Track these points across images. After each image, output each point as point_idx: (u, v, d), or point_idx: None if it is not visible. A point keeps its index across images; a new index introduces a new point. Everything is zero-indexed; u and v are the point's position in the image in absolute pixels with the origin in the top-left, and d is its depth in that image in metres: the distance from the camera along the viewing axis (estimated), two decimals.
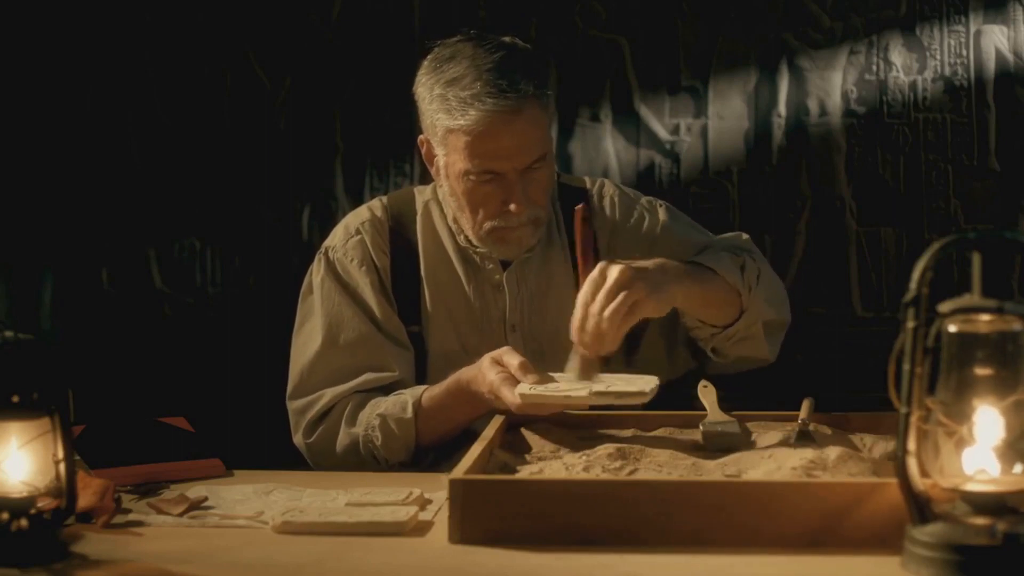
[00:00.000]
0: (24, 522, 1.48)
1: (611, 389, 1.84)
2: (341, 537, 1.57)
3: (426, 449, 2.09)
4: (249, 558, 1.51)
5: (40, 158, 3.06)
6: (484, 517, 1.52)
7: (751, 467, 1.67)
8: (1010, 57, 2.80)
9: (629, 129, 2.93)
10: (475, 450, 1.69)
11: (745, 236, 2.31)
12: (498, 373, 1.92)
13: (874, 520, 1.46)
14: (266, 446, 2.21)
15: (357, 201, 2.91)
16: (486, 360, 1.97)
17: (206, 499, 1.76)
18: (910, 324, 1.36)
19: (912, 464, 1.37)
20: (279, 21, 3.01)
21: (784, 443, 1.78)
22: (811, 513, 1.48)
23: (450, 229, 2.23)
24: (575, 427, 1.97)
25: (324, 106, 3.00)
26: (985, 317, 1.37)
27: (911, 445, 1.37)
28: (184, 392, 2.91)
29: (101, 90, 3.05)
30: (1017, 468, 1.36)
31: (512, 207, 2.08)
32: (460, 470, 1.58)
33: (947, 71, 2.82)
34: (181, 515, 1.69)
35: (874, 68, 2.85)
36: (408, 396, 2.07)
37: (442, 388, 2.06)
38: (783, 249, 2.88)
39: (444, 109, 2.06)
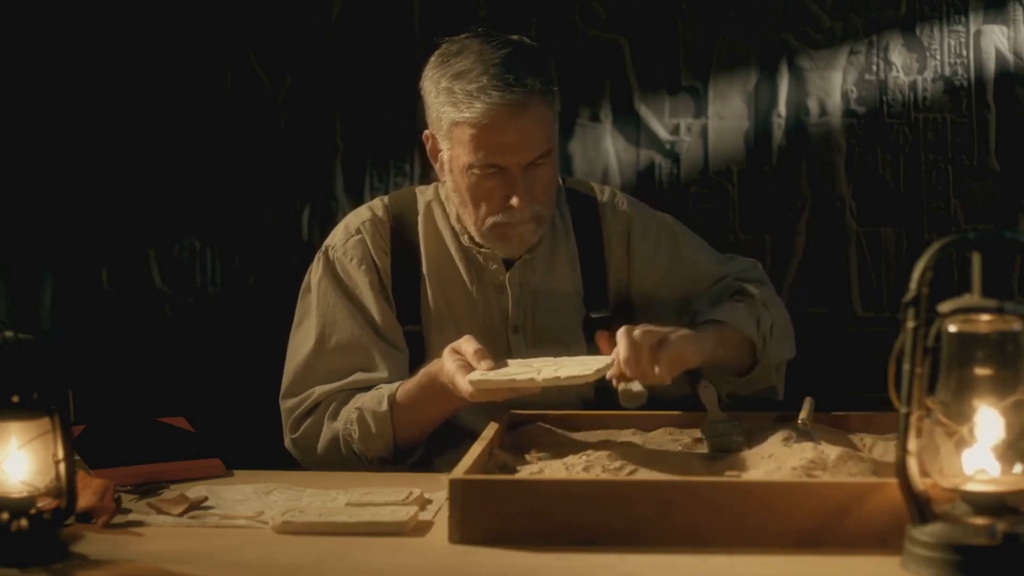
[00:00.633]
0: (24, 522, 1.48)
1: (558, 372, 1.84)
2: (341, 537, 1.57)
3: (406, 445, 2.09)
4: (249, 558, 1.51)
5: (40, 158, 3.07)
6: (484, 517, 1.52)
7: (751, 467, 1.67)
8: (1010, 57, 2.80)
9: (629, 129, 2.93)
10: (475, 450, 1.69)
11: (758, 267, 2.32)
12: (455, 361, 1.93)
13: (874, 520, 1.46)
14: (266, 446, 2.21)
15: (357, 201, 2.91)
16: (447, 350, 1.97)
17: (206, 499, 1.76)
18: (910, 324, 1.36)
19: (912, 464, 1.37)
20: (279, 21, 3.01)
21: (784, 443, 1.78)
22: (811, 513, 1.48)
23: (453, 229, 2.23)
24: (575, 427, 1.97)
25: (324, 106, 3.00)
26: (985, 317, 1.37)
27: (911, 445, 1.37)
28: (184, 392, 2.91)
29: (101, 90, 3.05)
30: (1017, 468, 1.36)
31: (514, 202, 2.08)
32: (460, 470, 1.58)
33: (947, 71, 2.82)
34: (181, 515, 1.69)
35: (874, 68, 2.85)
36: (385, 390, 2.08)
37: (414, 381, 2.06)
38: (783, 249, 2.88)
39: (450, 102, 2.07)
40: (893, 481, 1.40)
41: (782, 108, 2.87)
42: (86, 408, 1.75)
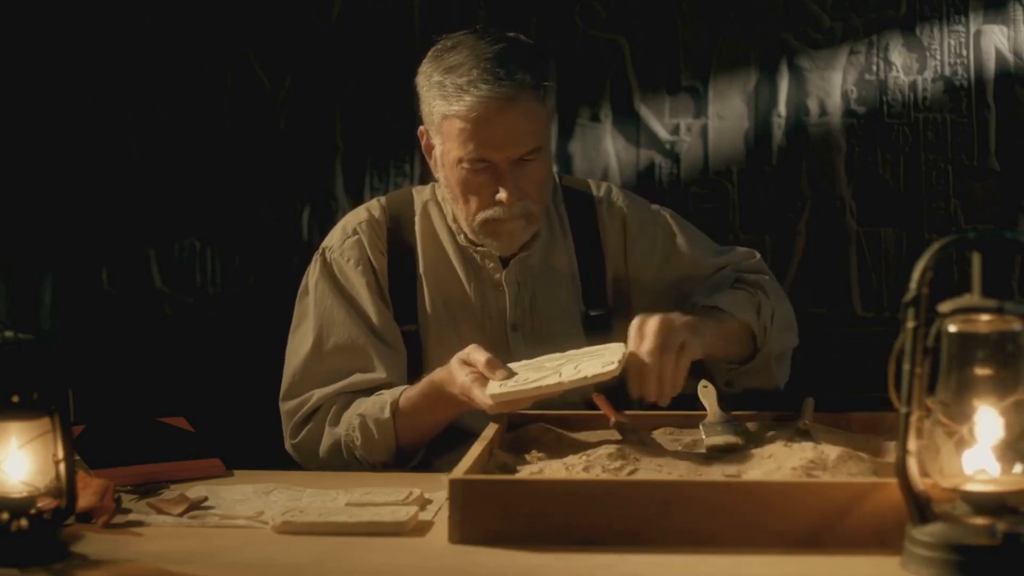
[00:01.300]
0: (24, 522, 1.48)
1: (581, 373, 1.84)
2: (341, 537, 1.57)
3: (408, 450, 2.09)
4: (249, 558, 1.51)
5: (40, 158, 3.07)
6: (484, 517, 1.51)
7: (751, 467, 1.67)
8: (1010, 57, 2.80)
9: (629, 129, 2.93)
10: (475, 450, 1.69)
11: (756, 256, 2.32)
12: (468, 374, 1.92)
13: (874, 520, 1.46)
14: (266, 446, 2.21)
15: (357, 201, 2.91)
16: (455, 361, 1.96)
17: (206, 499, 1.76)
18: (910, 324, 1.36)
19: (912, 464, 1.37)
20: (279, 21, 3.01)
21: (784, 443, 1.78)
22: (811, 513, 1.48)
23: (450, 229, 2.23)
24: (575, 427, 1.97)
25: (324, 106, 3.00)
26: (985, 317, 1.37)
27: (911, 445, 1.37)
28: (184, 392, 2.91)
29: (101, 90, 3.05)
30: (1017, 468, 1.36)
31: (502, 196, 2.08)
32: (460, 470, 1.58)
33: (947, 71, 2.82)
34: (181, 515, 1.69)
35: (874, 68, 2.85)
36: (387, 396, 2.07)
37: (417, 390, 2.06)
38: (783, 249, 2.88)
39: (441, 95, 2.07)
40: (893, 481, 1.40)
41: (782, 108, 2.87)
42: (86, 408, 1.75)
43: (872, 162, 2.86)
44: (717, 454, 1.77)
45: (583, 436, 1.93)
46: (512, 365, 1.93)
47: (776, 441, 1.80)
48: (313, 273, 2.23)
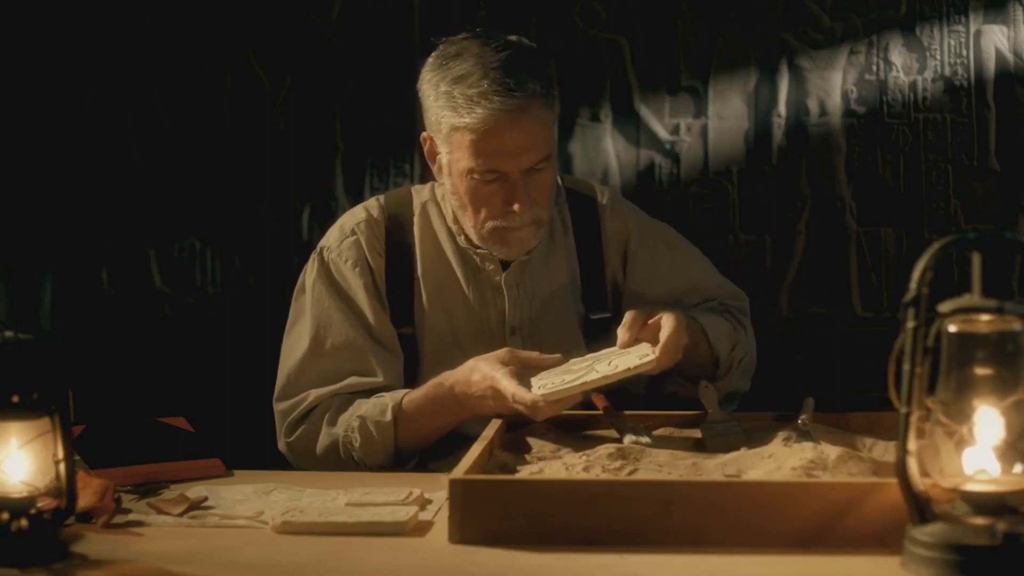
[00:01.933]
0: (24, 522, 1.48)
1: (620, 367, 1.87)
2: (341, 537, 1.57)
3: (406, 454, 2.09)
4: (249, 558, 1.51)
5: (40, 158, 3.06)
6: (484, 517, 1.52)
7: (751, 467, 1.67)
8: (1010, 57, 2.80)
9: (629, 129, 2.93)
10: (475, 450, 1.69)
11: (746, 300, 2.36)
12: (499, 369, 1.93)
13: (874, 520, 1.46)
14: (266, 446, 2.21)
15: (357, 201, 2.90)
16: (486, 361, 1.96)
17: (206, 499, 1.76)
18: (910, 324, 1.36)
19: (912, 464, 1.37)
20: (279, 21, 3.01)
21: (784, 443, 1.78)
22: (811, 513, 1.48)
23: (449, 230, 2.22)
24: (575, 427, 1.97)
25: (324, 106, 3.00)
26: (985, 317, 1.37)
27: (911, 445, 1.37)
28: (184, 392, 2.91)
29: (101, 90, 3.05)
30: (1017, 468, 1.36)
31: (516, 207, 2.07)
32: (460, 470, 1.58)
33: (947, 71, 2.82)
34: (181, 515, 1.69)
35: (874, 68, 2.85)
36: (388, 399, 2.07)
37: (422, 392, 2.05)
38: (783, 249, 2.88)
39: (450, 106, 2.05)
40: (893, 481, 1.40)
41: (782, 108, 2.87)
42: (86, 408, 1.75)
43: (872, 162, 2.86)
44: (717, 454, 1.77)
45: (583, 436, 1.94)
46: (538, 374, 1.94)
47: (776, 441, 1.80)
48: (310, 273, 2.22)
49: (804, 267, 2.88)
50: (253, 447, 2.15)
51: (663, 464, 1.70)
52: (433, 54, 2.12)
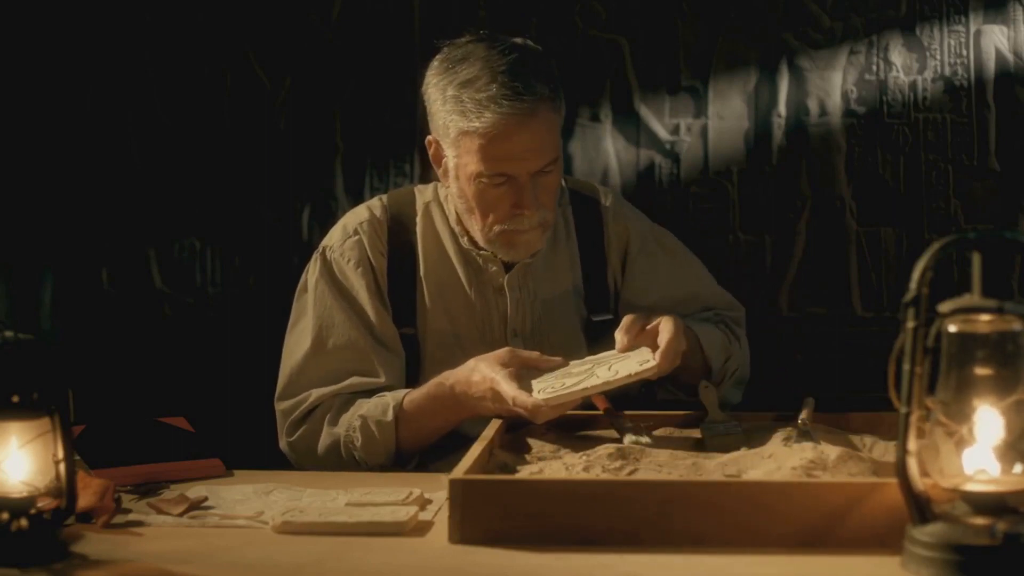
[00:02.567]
0: (24, 522, 1.48)
1: (620, 372, 1.87)
2: (341, 537, 1.57)
3: (407, 453, 2.09)
4: (249, 558, 1.51)
5: (40, 158, 3.06)
6: (484, 517, 1.52)
7: (751, 467, 1.67)
8: (1010, 57, 2.80)
9: (629, 129, 2.92)
10: (475, 450, 1.69)
11: (743, 311, 2.36)
12: (499, 371, 1.93)
13: (874, 520, 1.46)
14: (266, 446, 2.21)
15: (357, 201, 2.90)
16: (486, 361, 1.96)
17: (206, 499, 1.76)
18: (910, 324, 1.36)
19: (912, 464, 1.37)
20: (279, 21, 3.01)
21: (784, 443, 1.78)
22: (811, 513, 1.48)
23: (452, 231, 2.22)
24: (575, 427, 1.97)
25: (324, 106, 3.00)
26: (985, 317, 1.37)
27: (911, 445, 1.37)
28: (184, 392, 2.91)
29: (101, 90, 3.05)
30: (1017, 468, 1.36)
31: (524, 210, 2.07)
32: (460, 470, 1.58)
33: (947, 71, 2.82)
34: (181, 515, 1.69)
35: (874, 68, 2.85)
36: (390, 399, 2.07)
37: (423, 392, 2.05)
38: (783, 249, 2.88)
39: (458, 111, 2.04)
40: (893, 481, 1.40)
41: (782, 108, 2.87)
42: (86, 408, 1.75)
43: (872, 162, 2.86)
44: (717, 454, 1.77)
45: (583, 436, 1.94)
46: (538, 375, 1.94)
47: (776, 441, 1.80)
48: (313, 272, 2.22)
49: (804, 267, 2.88)
50: (253, 447, 2.15)
51: (663, 464, 1.70)
52: (438, 57, 2.11)
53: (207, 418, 2.16)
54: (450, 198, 2.20)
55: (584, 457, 1.70)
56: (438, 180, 2.23)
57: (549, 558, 1.47)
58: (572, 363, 1.97)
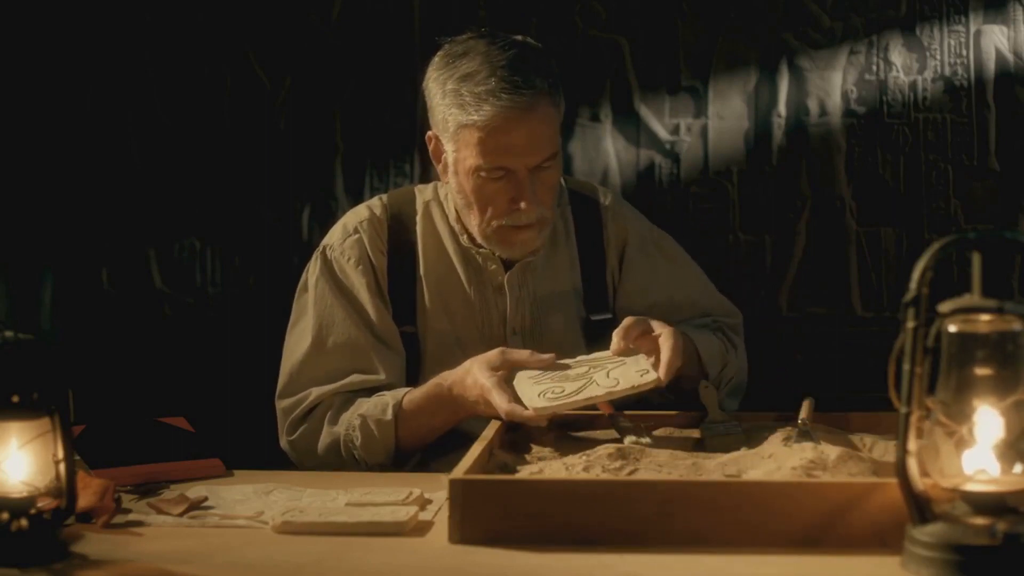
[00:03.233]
0: (24, 522, 1.48)
1: (620, 383, 1.86)
2: (341, 537, 1.57)
3: (407, 452, 2.09)
4: (249, 558, 1.51)
5: (40, 158, 3.06)
6: (484, 517, 1.52)
7: (751, 467, 1.67)
8: (1010, 57, 2.80)
9: (629, 129, 2.92)
10: (475, 450, 1.69)
11: (740, 318, 2.36)
12: (489, 377, 1.92)
13: (874, 520, 1.46)
14: (266, 446, 2.21)
15: (357, 201, 2.90)
16: (477, 364, 1.96)
17: (206, 499, 1.76)
18: (910, 324, 1.36)
19: (912, 464, 1.37)
20: (279, 21, 3.01)
21: (784, 443, 1.78)
22: (811, 513, 1.48)
23: (452, 229, 2.22)
24: (575, 427, 1.97)
25: (324, 106, 3.00)
26: (985, 317, 1.37)
27: (911, 445, 1.37)
28: (184, 392, 2.91)
29: (101, 90, 3.05)
30: (1017, 468, 1.36)
31: (523, 205, 2.08)
32: (460, 470, 1.58)
33: (947, 71, 2.82)
34: (181, 515, 1.69)
35: (874, 68, 2.85)
36: (389, 398, 2.07)
37: (422, 392, 2.06)
38: (783, 249, 2.88)
39: (457, 104, 2.05)
40: (893, 481, 1.40)
41: (782, 108, 2.87)
42: (86, 408, 1.75)
43: (872, 162, 2.86)
44: (717, 454, 1.77)
45: (583, 436, 1.94)
46: (533, 374, 1.94)
47: (776, 441, 1.80)
48: (313, 271, 2.23)
49: (804, 267, 2.88)
50: (253, 447, 2.15)
51: (663, 464, 1.70)
52: (439, 53, 2.12)
53: (207, 418, 2.16)
54: (450, 196, 2.20)
55: (584, 457, 1.70)
56: (438, 180, 2.23)
57: (549, 558, 1.47)
58: (569, 361, 1.97)
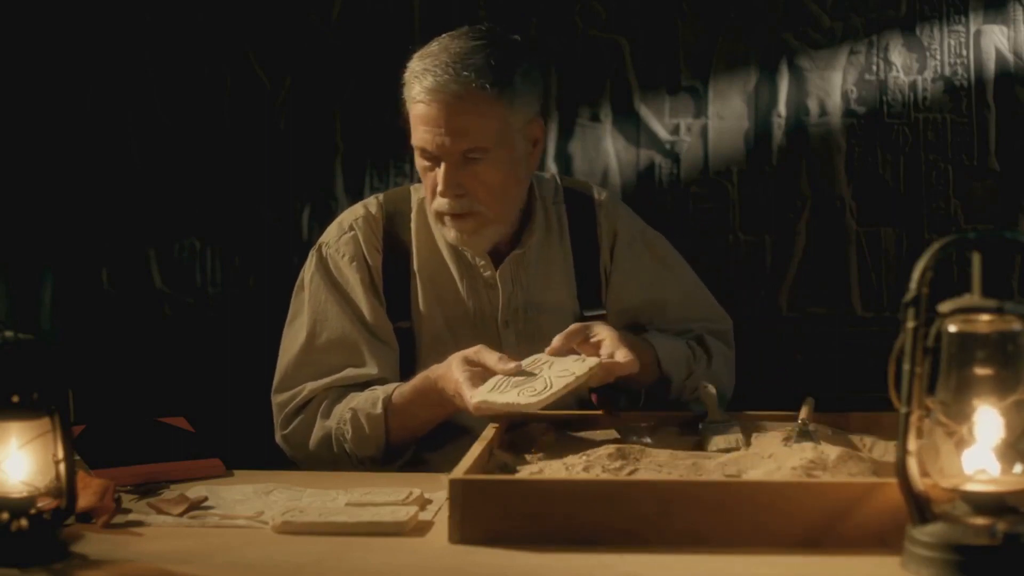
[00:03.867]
0: (24, 522, 1.48)
1: (552, 390, 1.85)
2: (341, 537, 1.57)
3: (398, 447, 2.09)
4: (249, 558, 1.51)
5: (40, 158, 3.06)
6: (484, 517, 1.52)
7: (751, 467, 1.67)
8: (1010, 57, 2.80)
9: (629, 129, 2.93)
10: (475, 450, 1.69)
11: (729, 323, 2.35)
12: (464, 371, 1.93)
13: (874, 520, 1.46)
14: (266, 446, 2.21)
15: (357, 201, 2.90)
16: (456, 358, 1.97)
17: (206, 499, 1.76)
18: (910, 324, 1.36)
19: (912, 464, 1.37)
20: (279, 21, 3.01)
21: (784, 443, 1.78)
22: (811, 513, 1.48)
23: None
24: (575, 427, 1.97)
25: (324, 106, 3.00)
26: (985, 317, 1.37)
27: (911, 445, 1.37)
28: (184, 392, 2.91)
29: (101, 90, 3.05)
30: (1017, 468, 1.36)
31: (438, 187, 2.11)
32: (460, 470, 1.58)
33: (947, 71, 2.82)
34: (181, 515, 1.69)
35: (874, 68, 2.85)
36: (380, 392, 2.09)
37: (411, 385, 2.07)
38: (783, 249, 2.88)
39: (409, 79, 2.11)
40: (893, 481, 1.40)
41: (782, 108, 2.87)
42: (86, 408, 1.75)
43: (872, 162, 2.86)
44: (717, 454, 1.77)
45: (583, 436, 1.94)
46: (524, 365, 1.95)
47: (776, 441, 1.80)
48: (309, 268, 2.25)
49: (804, 267, 2.88)
50: (253, 447, 2.15)
51: (663, 464, 1.70)
52: None
53: (207, 418, 2.16)
54: None
55: (584, 457, 1.70)
56: None
57: (549, 558, 1.47)
58: (539, 359, 1.97)
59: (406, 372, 2.17)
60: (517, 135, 2.13)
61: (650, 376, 2.11)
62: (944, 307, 1.37)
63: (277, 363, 2.22)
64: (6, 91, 3.05)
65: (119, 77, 3.05)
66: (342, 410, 2.10)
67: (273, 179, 3.02)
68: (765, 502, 1.48)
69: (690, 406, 2.13)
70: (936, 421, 1.37)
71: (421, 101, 2.07)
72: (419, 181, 2.34)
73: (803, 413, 1.90)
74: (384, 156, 2.99)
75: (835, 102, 2.86)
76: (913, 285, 1.36)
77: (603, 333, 1.97)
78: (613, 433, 1.92)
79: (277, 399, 2.19)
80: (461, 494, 1.52)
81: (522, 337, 2.19)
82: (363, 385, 2.13)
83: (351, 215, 2.28)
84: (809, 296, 2.88)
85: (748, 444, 1.84)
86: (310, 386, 2.15)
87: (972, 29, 2.81)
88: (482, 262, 2.21)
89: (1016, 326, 1.36)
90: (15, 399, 1.48)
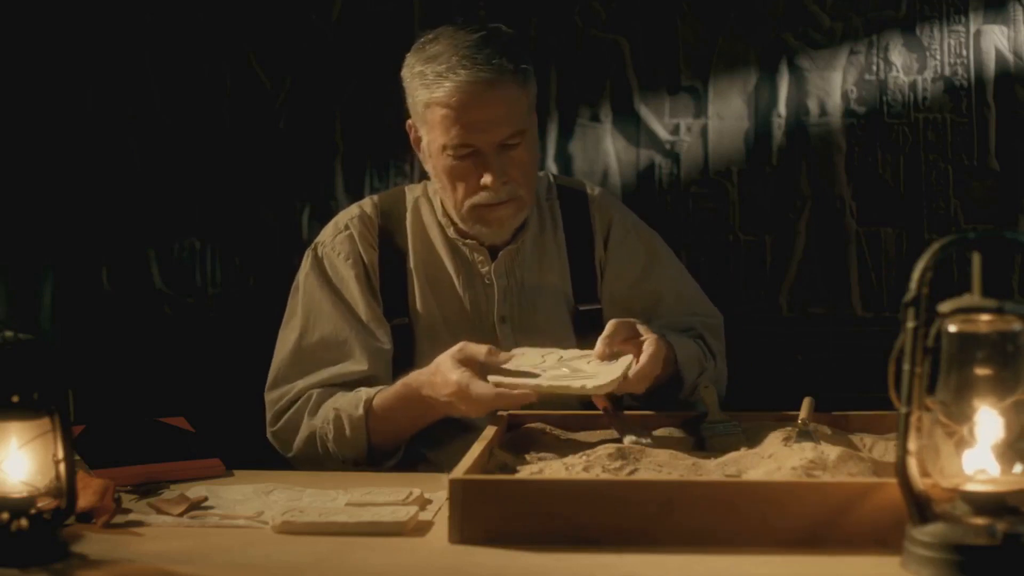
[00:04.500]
0: (24, 522, 1.48)
1: (588, 381, 1.85)
2: (341, 537, 1.57)
3: (382, 450, 2.09)
4: (249, 558, 1.51)
5: (40, 158, 3.06)
6: (484, 517, 1.51)
7: (751, 467, 1.67)
8: (1010, 57, 2.80)
9: (629, 129, 2.93)
10: (475, 450, 1.69)
11: (720, 319, 2.34)
12: (462, 372, 1.92)
13: (874, 520, 1.46)
14: (266, 446, 2.21)
15: (357, 201, 2.90)
16: (444, 363, 1.96)
17: (206, 499, 1.76)
18: (910, 324, 1.36)
19: (912, 464, 1.37)
20: (279, 21, 3.01)
21: (784, 443, 1.78)
22: (811, 513, 1.48)
23: (439, 223, 2.25)
24: (575, 427, 1.97)
25: (324, 106, 3.00)
26: (985, 317, 1.36)
27: (911, 445, 1.37)
28: (184, 392, 2.91)
29: (101, 90, 3.05)
30: (1017, 468, 1.36)
31: (487, 179, 2.10)
32: (460, 470, 1.58)
33: (947, 71, 2.82)
34: (181, 515, 1.69)
35: (874, 68, 2.85)
36: (364, 394, 2.09)
37: (392, 391, 2.07)
38: (783, 249, 2.88)
39: (423, 84, 2.10)
40: (893, 481, 1.40)
41: (782, 108, 2.87)
42: (86, 408, 1.75)
43: (872, 162, 2.86)
44: (717, 454, 1.77)
45: (583, 436, 1.94)
46: (515, 351, 1.94)
47: (776, 441, 1.80)
48: (304, 268, 2.26)
49: (804, 267, 2.88)
50: (253, 447, 2.15)
51: (663, 464, 1.69)
52: (415, 44, 2.16)
53: (207, 418, 2.16)
54: (438, 190, 2.22)
55: (584, 457, 1.69)
56: (425, 169, 2.25)
57: (549, 558, 1.47)
58: (546, 352, 1.96)
59: (404, 369, 2.17)
60: (533, 114, 2.17)
61: (666, 376, 2.11)
62: (944, 307, 1.37)
63: (272, 361, 2.22)
64: (6, 91, 3.05)
65: (119, 77, 3.05)
66: (327, 409, 2.11)
67: (273, 179, 3.02)
68: (765, 502, 1.48)
69: (696, 406, 2.13)
70: (936, 421, 1.37)
71: (452, 99, 2.06)
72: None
73: (803, 413, 1.90)
74: (384, 156, 2.99)
75: (835, 102, 2.86)
76: (913, 285, 1.36)
77: (645, 335, 1.95)
78: (613, 433, 1.92)
79: (269, 396, 2.20)
80: (461, 494, 1.52)
81: (519, 332, 2.19)
82: (354, 383, 2.14)
83: (346, 215, 2.29)
84: (809, 296, 2.88)
85: (748, 444, 1.84)
86: (301, 383, 2.16)
87: (972, 29, 2.81)
88: (480, 257, 2.22)
89: (1016, 326, 1.36)
90: (15, 399, 1.48)
